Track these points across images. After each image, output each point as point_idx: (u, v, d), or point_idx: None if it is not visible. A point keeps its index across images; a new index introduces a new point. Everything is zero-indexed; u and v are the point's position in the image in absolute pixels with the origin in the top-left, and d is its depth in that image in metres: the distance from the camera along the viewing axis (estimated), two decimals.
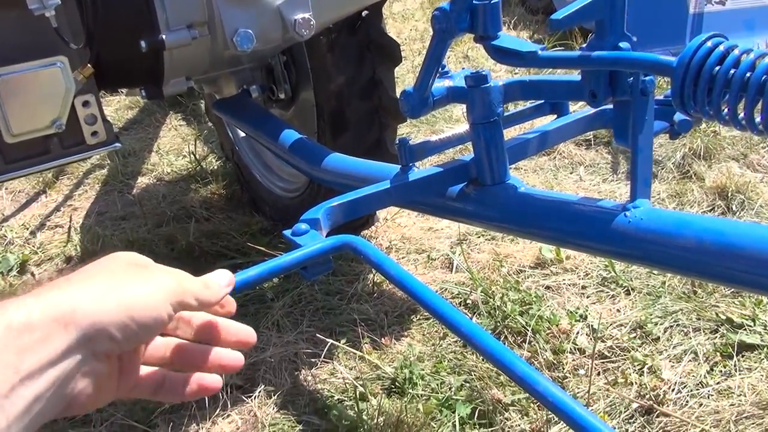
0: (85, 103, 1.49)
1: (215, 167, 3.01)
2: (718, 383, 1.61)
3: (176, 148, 3.35)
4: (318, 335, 1.84)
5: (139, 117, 3.81)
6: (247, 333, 0.74)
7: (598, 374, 1.68)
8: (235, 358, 0.72)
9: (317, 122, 2.06)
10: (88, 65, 1.44)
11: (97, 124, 1.52)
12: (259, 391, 1.70)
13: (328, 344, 1.77)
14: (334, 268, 2.11)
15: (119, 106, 3.92)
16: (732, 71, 0.83)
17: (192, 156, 3.08)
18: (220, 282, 0.72)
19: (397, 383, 1.68)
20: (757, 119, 0.84)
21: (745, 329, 1.73)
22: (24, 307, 0.53)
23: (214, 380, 0.72)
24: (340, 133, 1.98)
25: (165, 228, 2.53)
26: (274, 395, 1.69)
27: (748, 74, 0.82)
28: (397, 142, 1.35)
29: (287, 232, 1.11)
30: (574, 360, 1.72)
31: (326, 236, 1.13)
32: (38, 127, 1.43)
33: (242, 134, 2.51)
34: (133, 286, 0.61)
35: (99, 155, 3.29)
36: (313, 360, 1.79)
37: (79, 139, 1.51)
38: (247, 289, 0.98)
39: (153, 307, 0.61)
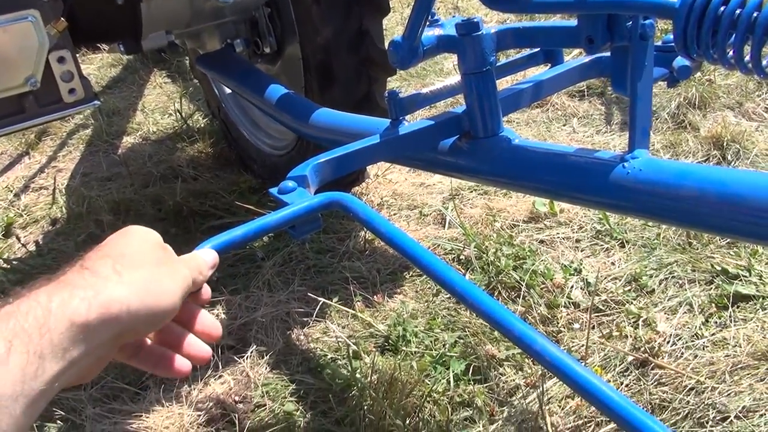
0: (61, 59, 1.42)
1: (202, 125, 2.94)
2: (713, 334, 1.60)
3: (161, 107, 3.27)
4: (310, 294, 1.82)
5: (123, 75, 3.72)
6: (214, 325, 0.78)
7: (593, 328, 1.67)
8: (204, 350, 0.76)
9: (304, 76, 2.00)
10: (62, 19, 1.38)
11: (74, 81, 1.46)
12: (251, 352, 1.69)
13: (320, 303, 1.74)
14: (324, 227, 2.08)
15: (101, 64, 3.83)
16: (738, 11, 0.79)
17: (178, 114, 3.01)
18: (207, 261, 0.79)
19: (390, 341, 1.66)
20: (764, 62, 0.80)
21: (741, 280, 1.72)
22: (86, 304, 0.59)
23: (203, 350, 0.76)
24: (327, 88, 1.93)
25: (152, 188, 2.49)
26: (266, 355, 1.67)
27: (755, 14, 0.78)
28: (387, 95, 1.31)
29: (273, 190, 1.08)
30: (568, 314, 1.71)
31: (314, 194, 1.10)
32: (11, 85, 1.37)
33: (228, 91, 2.45)
34: (164, 281, 0.68)
35: (81, 114, 3.22)
36: (305, 319, 1.77)
37: (56, 97, 1.45)
38: (234, 249, 0.95)
39: (172, 300, 0.68)
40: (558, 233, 2.00)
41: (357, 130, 1.47)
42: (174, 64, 3.64)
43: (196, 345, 0.75)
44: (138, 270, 0.66)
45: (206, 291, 0.79)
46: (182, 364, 0.74)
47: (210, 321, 0.77)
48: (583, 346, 1.61)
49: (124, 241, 0.69)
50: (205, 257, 0.80)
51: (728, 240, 1.87)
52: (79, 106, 1.50)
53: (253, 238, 0.97)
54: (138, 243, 0.70)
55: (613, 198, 1.02)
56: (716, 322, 1.63)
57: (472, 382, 1.54)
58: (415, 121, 1.31)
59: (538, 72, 1.43)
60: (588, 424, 1.44)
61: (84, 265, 0.65)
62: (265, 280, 1.93)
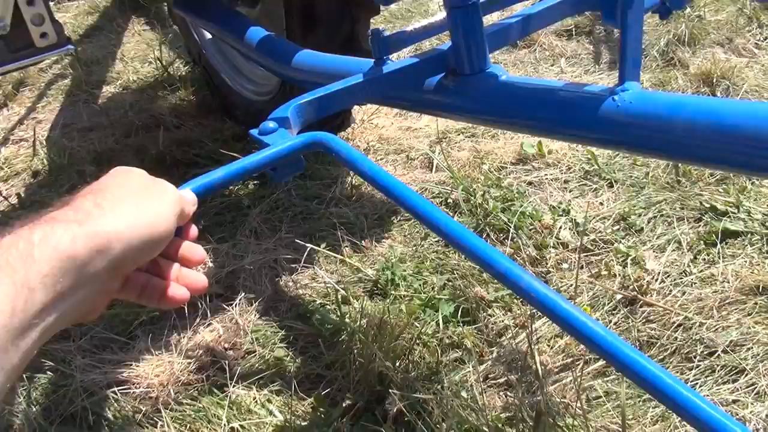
0: (30, 2, 1.37)
1: (183, 73, 2.87)
2: (701, 271, 1.60)
3: (141, 55, 3.19)
4: (297, 241, 1.80)
5: (100, 23, 3.61)
6: (198, 278, 0.76)
7: (582, 268, 1.67)
8: (200, 279, 0.76)
9: (285, 19, 1.94)
10: None
11: (45, 25, 1.41)
12: (240, 299, 1.68)
13: (308, 249, 1.73)
14: (310, 173, 2.05)
15: (77, 12, 3.71)
16: None
17: (158, 62, 2.93)
18: (189, 199, 0.77)
19: (379, 285, 1.65)
20: None
21: (729, 216, 1.71)
22: (69, 234, 0.58)
23: (199, 278, 0.76)
24: (309, 30, 1.87)
25: (133, 138, 2.44)
26: (255, 302, 1.67)
27: None
28: (370, 33, 1.27)
29: (254, 132, 1.05)
30: (557, 255, 1.70)
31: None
32: None
33: (209, 36, 2.38)
34: (153, 206, 0.67)
35: (59, 64, 3.14)
36: (293, 266, 1.76)
37: (28, 42, 1.40)
38: (214, 192, 0.92)
39: (166, 223, 0.67)
40: (546, 174, 1.98)
41: (341, 70, 1.43)
42: (152, 10, 3.54)
43: (189, 275, 0.75)
44: (123, 201, 0.65)
45: (193, 229, 0.78)
46: (178, 292, 0.73)
47: (198, 252, 0.77)
48: (572, 285, 1.61)
49: (106, 180, 0.69)
50: (186, 196, 0.78)
51: (717, 177, 1.86)
52: (52, 51, 1.44)
53: (233, 180, 0.94)
54: (121, 178, 0.69)
55: (604, 132, 1.00)
56: (704, 259, 1.63)
57: (462, 324, 1.54)
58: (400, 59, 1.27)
59: (527, 7, 1.38)
60: (577, 362, 1.45)
61: (65, 203, 0.64)
62: (252, 228, 1.91)
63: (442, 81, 1.24)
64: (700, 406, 0.67)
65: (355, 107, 2.32)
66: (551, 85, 1.10)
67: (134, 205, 0.65)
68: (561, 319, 0.80)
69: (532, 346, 1.43)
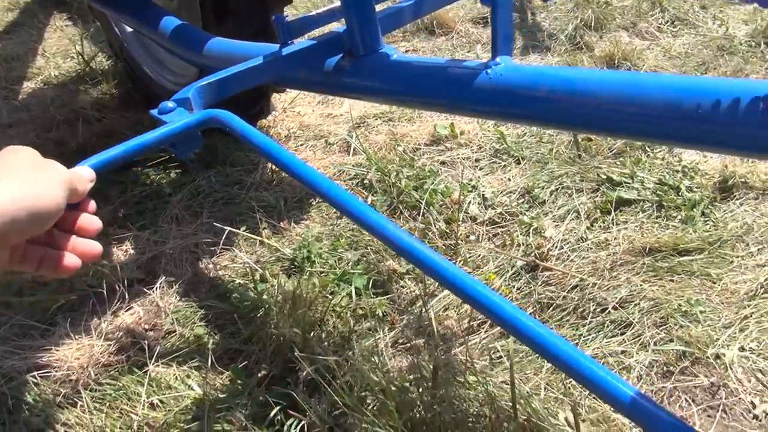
0: None
1: (105, 67, 2.87)
2: (596, 237, 1.71)
3: (63, 50, 3.16)
4: (217, 225, 1.85)
5: (21, 19, 3.56)
6: (91, 245, 0.79)
7: (489, 239, 1.76)
8: (94, 246, 0.79)
9: (200, 10, 1.98)
10: None
11: None
12: (161, 283, 1.72)
13: (227, 232, 1.78)
14: (231, 159, 2.10)
15: None
16: None
17: (80, 57, 2.92)
18: (84, 176, 0.81)
19: (296, 263, 1.72)
20: None
21: (623, 186, 1.84)
22: None
23: (92, 246, 0.79)
24: (223, 19, 1.92)
25: (55, 132, 2.43)
26: (175, 285, 1.71)
27: None
28: (273, 19, 1.33)
29: (153, 111, 1.10)
30: (466, 228, 1.80)
31: None
32: None
33: (130, 30, 2.40)
34: (41, 182, 0.69)
35: None
36: (213, 249, 1.81)
37: None
38: (113, 167, 0.97)
39: (54, 199, 0.70)
40: (458, 154, 2.08)
41: (249, 55, 1.48)
42: (75, 5, 3.51)
43: (84, 243, 0.78)
44: (8, 176, 0.68)
45: (92, 204, 0.82)
46: (71, 260, 0.76)
47: (95, 222, 0.80)
48: (479, 256, 1.70)
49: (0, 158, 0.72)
50: (82, 173, 0.82)
51: (614, 151, 1.99)
52: None
53: (131, 156, 0.99)
54: (10, 156, 0.72)
55: (479, 103, 1.09)
56: (600, 226, 1.75)
57: (374, 295, 1.62)
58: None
59: None
60: (482, 326, 1.54)
61: None
62: (173, 215, 1.94)
63: (339, 62, 1.31)
64: (581, 361, 0.77)
65: (277, 96, 2.37)
66: (436, 62, 1.18)
67: (20, 181, 0.68)
68: (457, 289, 0.88)
69: (428, 310, 1.51)
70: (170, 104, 1.09)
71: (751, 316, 1.49)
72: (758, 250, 1.66)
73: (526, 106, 1.02)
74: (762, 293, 1.54)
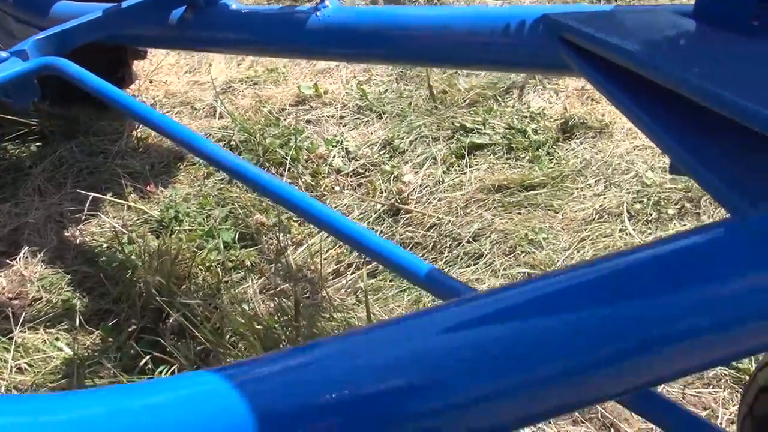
0: None
1: None
2: (452, 180, 1.83)
3: None
4: (82, 192, 1.83)
5: None
6: None
7: (353, 189, 1.84)
8: None
9: None
10: None
11: None
12: (24, 253, 1.69)
13: (91, 197, 1.77)
14: (95, 129, 2.08)
15: None
16: None
17: None
18: None
19: (163, 223, 1.74)
20: None
21: (476, 132, 1.96)
22: None
23: None
24: None
25: None
26: (40, 254, 1.69)
27: None
28: None
29: None
30: (331, 180, 1.87)
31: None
32: None
33: None
34: None
35: None
36: (78, 216, 1.79)
37: None
38: None
39: None
40: (323, 113, 2.14)
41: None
42: None
43: None
44: None
45: None
46: None
47: None
48: (344, 205, 1.78)
49: None
50: None
51: (468, 102, 2.11)
52: None
53: None
54: None
55: (312, 44, 1.15)
56: (455, 170, 1.86)
57: (242, 248, 1.66)
58: None
59: None
60: (350, 267, 1.62)
61: None
62: (35, 186, 1.91)
63: (183, 15, 1.34)
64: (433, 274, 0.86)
65: (139, 63, 2.35)
66: (271, 10, 1.24)
67: None
68: (333, 228, 0.94)
69: (288, 256, 1.58)
70: (4, 54, 1.09)
71: (587, 238, 1.64)
72: (595, 181, 1.82)
73: (355, 43, 1.10)
74: (597, 218, 1.70)
